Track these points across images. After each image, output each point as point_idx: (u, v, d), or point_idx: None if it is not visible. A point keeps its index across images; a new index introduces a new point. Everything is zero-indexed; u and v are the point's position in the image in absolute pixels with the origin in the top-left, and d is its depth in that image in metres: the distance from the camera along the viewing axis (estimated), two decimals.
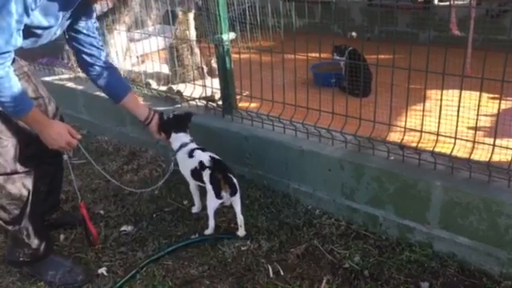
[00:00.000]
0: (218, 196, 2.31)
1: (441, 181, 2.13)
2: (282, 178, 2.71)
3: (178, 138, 2.54)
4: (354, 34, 4.38)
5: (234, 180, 2.34)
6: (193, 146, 2.52)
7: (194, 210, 2.64)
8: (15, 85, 1.83)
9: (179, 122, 2.58)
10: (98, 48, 2.26)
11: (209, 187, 2.34)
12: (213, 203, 2.36)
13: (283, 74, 2.56)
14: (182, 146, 2.52)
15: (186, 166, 2.50)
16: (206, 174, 2.35)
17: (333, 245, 2.34)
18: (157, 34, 3.74)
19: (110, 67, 2.33)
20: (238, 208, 2.39)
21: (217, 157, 2.43)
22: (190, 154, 2.45)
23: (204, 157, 2.39)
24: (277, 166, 2.71)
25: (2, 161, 2.00)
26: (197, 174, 2.41)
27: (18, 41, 1.79)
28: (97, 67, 2.28)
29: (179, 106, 3.15)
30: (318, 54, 2.42)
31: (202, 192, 2.50)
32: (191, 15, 3.47)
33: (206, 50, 3.55)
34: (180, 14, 3.44)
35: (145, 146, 3.41)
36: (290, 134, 2.66)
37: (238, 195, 2.36)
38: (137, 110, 2.47)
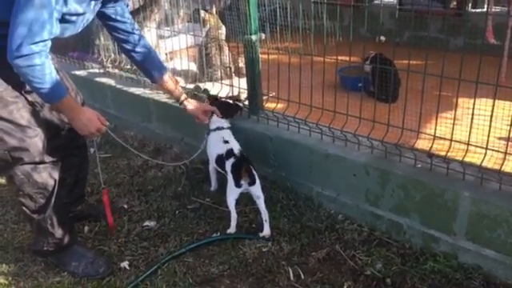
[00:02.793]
0: (238, 184, 2.37)
1: (469, 191, 2.08)
2: (306, 180, 2.70)
3: (219, 121, 2.68)
4: (382, 38, 4.33)
5: (254, 171, 2.40)
6: (228, 133, 2.64)
7: (212, 188, 2.81)
8: (53, 72, 1.90)
9: (228, 109, 2.75)
10: (130, 33, 2.32)
11: (229, 176, 2.40)
12: (232, 192, 2.41)
13: (311, 76, 2.55)
14: (218, 128, 2.65)
15: (214, 148, 2.61)
16: (229, 163, 2.43)
17: (355, 251, 2.31)
18: (186, 31, 3.77)
19: (146, 50, 2.40)
20: (261, 203, 2.42)
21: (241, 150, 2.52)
22: (224, 139, 2.56)
23: (234, 146, 2.50)
24: (301, 168, 2.69)
25: (31, 150, 2.04)
26: (221, 160, 2.50)
27: (57, 29, 1.86)
28: (133, 53, 2.38)
29: (205, 104, 3.16)
30: (346, 58, 2.40)
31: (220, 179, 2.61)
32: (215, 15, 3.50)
33: (233, 49, 3.57)
34: (203, 13, 3.48)
35: (170, 142, 3.44)
36: (316, 137, 2.64)
37: (257, 185, 2.40)
38: (172, 93, 2.62)
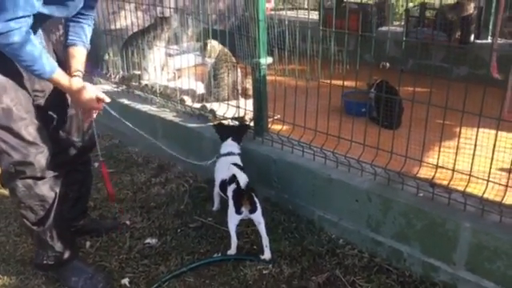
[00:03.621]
0: (238, 211, 2.38)
1: (470, 222, 2.10)
2: (308, 204, 2.72)
3: (231, 146, 2.72)
4: (386, 64, 4.39)
5: (256, 199, 2.39)
6: (237, 159, 2.67)
7: (214, 208, 2.83)
8: (37, 48, 1.89)
9: (239, 131, 2.80)
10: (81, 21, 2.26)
11: (230, 202, 2.41)
12: (232, 218, 2.41)
13: (317, 100, 2.59)
14: (229, 154, 2.68)
15: (220, 173, 2.63)
16: (231, 189, 2.44)
17: (355, 276, 2.32)
18: (193, 51, 3.84)
19: (79, 29, 2.27)
20: (261, 228, 2.42)
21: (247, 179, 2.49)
22: (229, 166, 2.57)
23: (239, 173, 2.48)
24: (303, 191, 2.72)
25: (35, 166, 2.08)
26: (224, 185, 2.52)
27: (34, 7, 1.84)
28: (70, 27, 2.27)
29: (211, 124, 3.20)
30: (352, 83, 2.44)
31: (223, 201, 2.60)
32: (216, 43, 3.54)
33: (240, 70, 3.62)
34: (208, 45, 3.51)
35: (174, 160, 3.46)
36: (319, 162, 2.67)
37: (258, 213, 2.40)
38: (70, 65, 2.25)
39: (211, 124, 2.89)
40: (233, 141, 2.76)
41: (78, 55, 2.26)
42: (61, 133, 2.29)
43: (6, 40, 1.80)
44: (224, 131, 2.82)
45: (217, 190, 2.72)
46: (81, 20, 2.25)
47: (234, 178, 2.43)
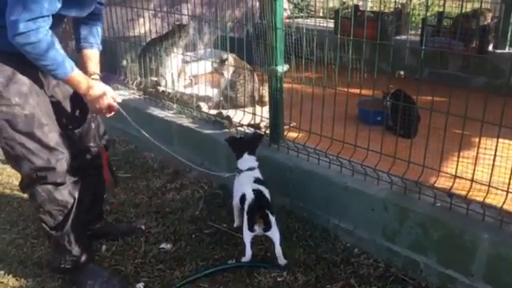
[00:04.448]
0: (251, 229, 2.37)
1: (489, 233, 2.08)
2: (323, 212, 2.71)
3: (250, 160, 2.65)
4: (402, 72, 4.37)
5: (271, 217, 2.36)
6: (257, 173, 2.62)
7: (235, 225, 2.73)
8: (55, 48, 1.91)
9: (253, 143, 2.72)
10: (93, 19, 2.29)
11: (245, 218, 2.40)
12: (247, 234, 2.40)
13: (334, 108, 2.59)
14: (250, 169, 2.62)
15: (240, 187, 2.57)
16: (246, 204, 2.40)
17: (370, 286, 2.30)
18: (209, 57, 3.86)
19: (92, 28, 2.30)
20: (276, 241, 2.40)
21: (265, 191, 2.48)
22: (253, 180, 2.54)
23: (248, 191, 2.43)
24: (319, 199, 2.71)
25: (56, 171, 2.10)
26: (244, 199, 2.47)
27: (55, 5, 1.87)
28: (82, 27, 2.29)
29: (227, 131, 3.22)
30: (368, 91, 2.44)
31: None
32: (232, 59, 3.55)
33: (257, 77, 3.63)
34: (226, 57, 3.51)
35: (189, 166, 3.48)
36: (335, 170, 2.66)
37: (272, 230, 2.38)
38: (87, 67, 2.28)
39: (225, 139, 2.79)
40: (249, 155, 2.66)
41: (93, 57, 2.29)
42: (76, 138, 2.32)
43: (26, 40, 1.82)
44: (239, 147, 2.71)
45: (236, 202, 2.64)
46: (90, 22, 2.28)
47: (251, 193, 2.40)
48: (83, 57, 2.29)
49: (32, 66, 1.97)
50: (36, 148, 2.05)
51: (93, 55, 2.30)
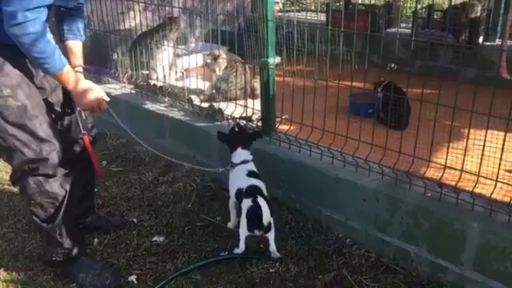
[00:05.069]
0: (251, 230, 2.37)
1: (478, 222, 2.10)
2: (315, 203, 2.72)
3: (244, 154, 2.62)
4: (393, 65, 4.39)
5: (270, 219, 2.36)
6: (251, 166, 2.59)
7: (230, 225, 2.67)
8: (50, 42, 1.90)
9: (249, 138, 2.69)
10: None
11: (243, 217, 2.38)
12: (244, 232, 2.40)
13: (325, 100, 2.60)
14: (244, 162, 2.59)
15: (236, 182, 2.55)
16: (246, 204, 2.37)
17: (361, 276, 2.32)
18: (201, 50, 3.85)
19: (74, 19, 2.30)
20: (271, 240, 2.41)
21: (264, 190, 2.47)
22: (247, 173, 2.53)
23: (256, 184, 2.44)
24: (311, 191, 2.72)
25: (47, 163, 2.10)
26: (240, 194, 2.45)
27: None
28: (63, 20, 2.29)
29: (219, 123, 3.22)
30: (359, 84, 2.44)
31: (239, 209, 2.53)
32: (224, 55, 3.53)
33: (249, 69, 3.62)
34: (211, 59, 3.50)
35: (181, 159, 3.47)
36: (327, 161, 2.68)
37: (271, 233, 2.39)
38: (70, 59, 2.27)
39: (216, 133, 2.73)
40: (243, 149, 2.63)
41: (76, 49, 2.30)
42: (64, 130, 2.31)
43: (23, 30, 1.81)
44: (232, 141, 2.66)
45: (232, 201, 2.60)
46: (73, 13, 2.27)
47: (251, 192, 2.38)
48: (67, 48, 2.29)
49: (22, 58, 1.95)
50: (28, 140, 2.04)
51: (76, 46, 2.31)
